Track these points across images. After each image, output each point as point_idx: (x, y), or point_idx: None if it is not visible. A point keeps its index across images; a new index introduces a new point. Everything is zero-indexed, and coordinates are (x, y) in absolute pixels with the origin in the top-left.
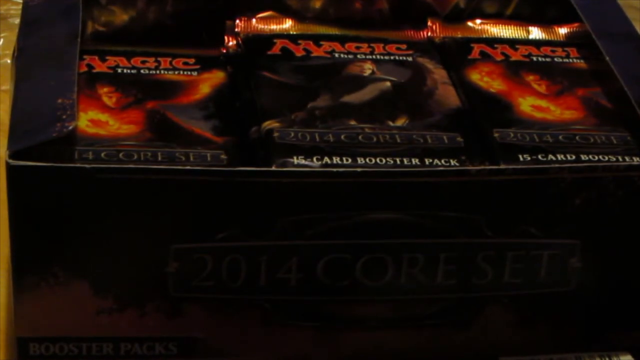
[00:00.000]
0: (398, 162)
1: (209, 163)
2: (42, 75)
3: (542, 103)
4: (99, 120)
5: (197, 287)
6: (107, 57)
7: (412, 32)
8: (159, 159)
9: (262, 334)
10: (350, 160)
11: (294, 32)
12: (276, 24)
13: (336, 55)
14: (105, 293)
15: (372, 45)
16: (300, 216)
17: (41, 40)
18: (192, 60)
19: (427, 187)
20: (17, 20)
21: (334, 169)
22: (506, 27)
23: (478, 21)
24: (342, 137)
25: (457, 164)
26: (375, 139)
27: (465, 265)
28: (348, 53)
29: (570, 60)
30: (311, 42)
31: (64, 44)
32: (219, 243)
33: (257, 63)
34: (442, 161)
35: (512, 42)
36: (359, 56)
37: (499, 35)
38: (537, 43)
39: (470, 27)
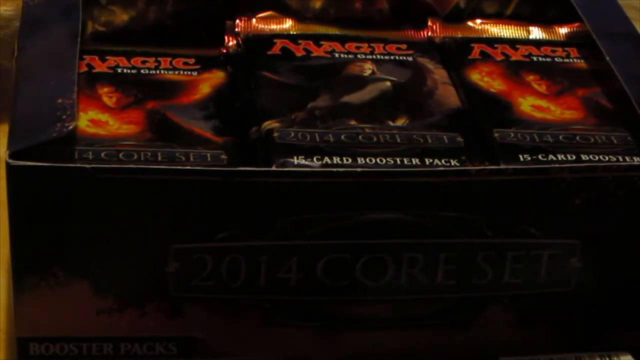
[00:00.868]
0: (398, 162)
1: (209, 163)
2: (42, 75)
3: (542, 103)
4: (99, 120)
5: (197, 287)
6: (107, 57)
7: (412, 32)
8: (159, 159)
9: (262, 334)
10: (350, 160)
11: (294, 32)
12: (276, 24)
13: (336, 55)
14: (105, 293)
15: (372, 45)
16: (300, 216)
17: (41, 40)
18: (192, 60)
19: (427, 187)
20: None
21: (334, 169)
22: (506, 27)
23: (478, 21)
24: (343, 137)
25: (457, 164)
26: (375, 139)
27: (465, 265)
28: (348, 53)
29: (571, 60)
30: (311, 42)
31: (64, 44)
32: (219, 243)
33: (257, 63)
34: (443, 161)
35: (513, 42)
36: (359, 56)
37: (499, 35)
38: (537, 43)
39: (470, 27)
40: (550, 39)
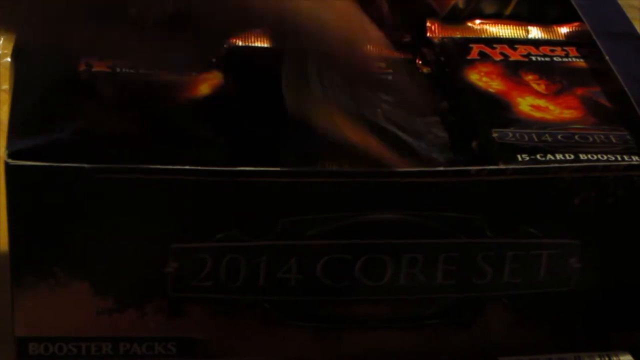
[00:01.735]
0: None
1: (209, 164)
2: (42, 75)
3: (541, 102)
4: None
5: (197, 287)
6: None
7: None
8: (160, 159)
9: (262, 334)
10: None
11: None
12: None
13: None
14: (105, 293)
15: None
16: (300, 216)
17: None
18: None
19: (427, 187)
20: None
21: (334, 169)
22: (505, 27)
23: (477, 21)
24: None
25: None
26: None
27: (465, 265)
28: None
29: (570, 59)
30: None
31: None
32: (219, 243)
33: None
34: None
35: (511, 42)
36: None
37: (498, 35)
38: (536, 43)
39: (469, 27)
40: (549, 38)
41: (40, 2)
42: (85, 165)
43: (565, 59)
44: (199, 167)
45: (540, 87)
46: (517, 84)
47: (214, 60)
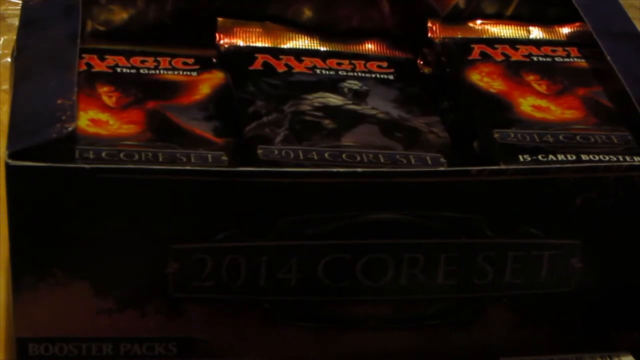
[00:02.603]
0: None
1: (210, 164)
2: (41, 75)
3: (543, 103)
4: (99, 119)
5: (197, 288)
6: (106, 56)
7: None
8: (160, 159)
9: (262, 334)
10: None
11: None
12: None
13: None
14: (105, 293)
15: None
16: (300, 216)
17: (41, 40)
18: (191, 60)
19: (428, 187)
20: (16, 20)
21: (334, 169)
22: (506, 27)
23: (478, 21)
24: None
25: None
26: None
27: (465, 265)
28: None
29: (571, 59)
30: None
31: (63, 44)
32: (219, 243)
33: None
34: None
35: (513, 42)
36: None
37: (499, 35)
38: (537, 43)
39: (470, 28)
40: (550, 38)
41: None
42: (85, 166)
43: (566, 59)
44: (199, 167)
45: (542, 88)
46: (518, 84)
47: (214, 60)
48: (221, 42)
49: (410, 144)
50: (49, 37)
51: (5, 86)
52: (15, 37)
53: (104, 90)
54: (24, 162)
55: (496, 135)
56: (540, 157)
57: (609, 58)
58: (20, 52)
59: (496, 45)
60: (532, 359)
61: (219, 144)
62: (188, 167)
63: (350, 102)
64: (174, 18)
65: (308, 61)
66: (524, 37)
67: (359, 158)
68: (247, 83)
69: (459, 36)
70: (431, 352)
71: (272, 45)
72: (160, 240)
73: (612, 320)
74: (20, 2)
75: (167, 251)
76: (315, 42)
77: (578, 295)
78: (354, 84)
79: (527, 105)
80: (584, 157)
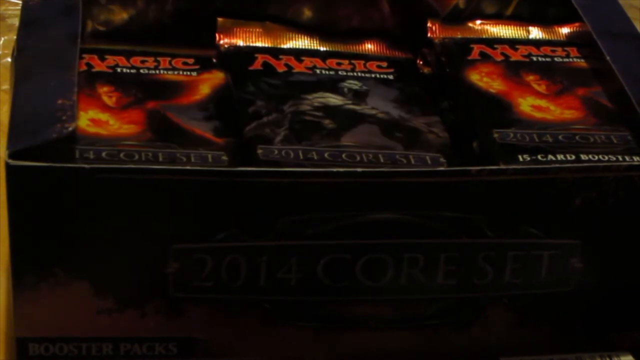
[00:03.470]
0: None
1: (210, 164)
2: (41, 75)
3: (542, 103)
4: (99, 119)
5: (197, 288)
6: (106, 56)
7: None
8: (160, 159)
9: (262, 334)
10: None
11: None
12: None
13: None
14: (105, 293)
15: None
16: (300, 216)
17: (41, 40)
18: (191, 60)
19: (428, 187)
20: (16, 21)
21: (334, 169)
22: (506, 27)
23: (478, 22)
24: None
25: None
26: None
27: (465, 265)
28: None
29: (571, 59)
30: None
31: (63, 45)
32: (219, 243)
33: None
34: None
35: (512, 42)
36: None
37: (498, 35)
38: (537, 43)
39: (470, 28)
40: (550, 38)
41: None
42: (85, 165)
43: (566, 59)
44: (199, 167)
45: (541, 88)
46: (518, 85)
47: (214, 60)
48: (221, 42)
49: (410, 144)
50: (49, 37)
51: (6, 86)
52: (15, 37)
53: (104, 90)
54: (24, 162)
55: (496, 135)
56: (539, 157)
57: (608, 58)
58: (20, 52)
59: (496, 46)
60: (532, 359)
61: (219, 144)
62: (188, 167)
63: (350, 102)
64: (174, 18)
65: (308, 61)
66: (523, 37)
67: (359, 158)
68: (247, 83)
69: (459, 36)
70: (431, 352)
71: (272, 45)
72: (160, 240)
73: (612, 320)
74: (20, 2)
75: (167, 251)
76: (315, 42)
77: (578, 295)
78: (354, 84)
79: (527, 105)
80: (583, 157)
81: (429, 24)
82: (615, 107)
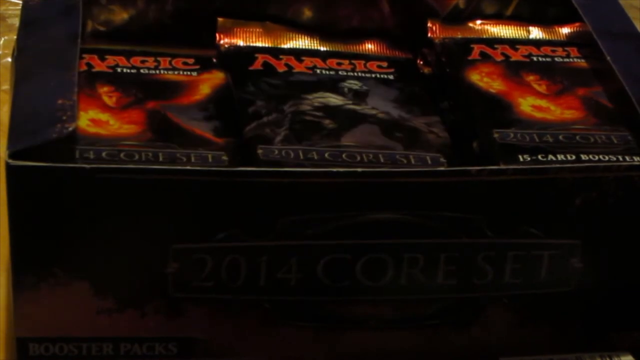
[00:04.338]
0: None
1: (210, 164)
2: (42, 75)
3: (542, 103)
4: (99, 119)
5: (197, 288)
6: (107, 57)
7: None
8: (160, 159)
9: (262, 334)
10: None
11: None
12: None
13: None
14: (105, 293)
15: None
16: (300, 216)
17: (41, 40)
18: (191, 60)
19: (428, 187)
20: (17, 21)
21: (334, 169)
22: (506, 27)
23: (478, 22)
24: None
25: None
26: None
27: (465, 265)
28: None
29: (571, 59)
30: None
31: (64, 45)
32: (219, 243)
33: None
34: None
35: (512, 43)
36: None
37: (499, 35)
38: (537, 43)
39: (470, 28)
40: (550, 38)
41: None
42: (85, 165)
43: (566, 60)
44: (199, 167)
45: (542, 88)
46: (518, 85)
47: (214, 60)
48: (221, 42)
49: (410, 144)
50: (49, 37)
51: (6, 86)
52: (15, 37)
53: (104, 90)
54: (25, 162)
55: (496, 135)
56: (540, 157)
57: (608, 58)
58: (20, 52)
59: (496, 46)
60: (532, 359)
61: (219, 144)
62: (188, 167)
63: (350, 102)
64: (174, 18)
65: (308, 61)
66: (523, 37)
67: (359, 158)
68: (247, 83)
69: (459, 36)
70: (431, 352)
71: (272, 45)
72: (160, 240)
73: (612, 320)
74: (21, 2)
75: (167, 251)
76: (315, 42)
77: (578, 295)
78: (354, 84)
79: (527, 105)
80: (583, 157)
81: (429, 24)
82: (615, 107)
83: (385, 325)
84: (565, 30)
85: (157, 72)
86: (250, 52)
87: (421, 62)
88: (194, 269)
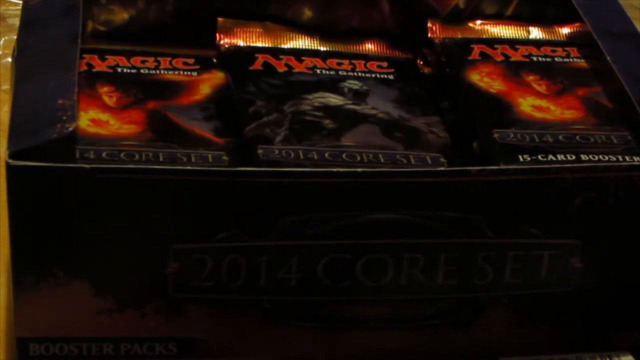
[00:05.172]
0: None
1: (210, 164)
2: (42, 75)
3: (542, 103)
4: (99, 119)
5: (197, 288)
6: (107, 56)
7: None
8: (161, 159)
9: (262, 334)
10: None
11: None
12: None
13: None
14: (105, 293)
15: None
16: (300, 216)
17: (41, 40)
18: (191, 60)
19: (428, 187)
20: (17, 21)
21: (334, 169)
22: (506, 27)
23: (478, 22)
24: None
25: None
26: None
27: (465, 265)
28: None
29: (571, 59)
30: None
31: (64, 44)
32: (219, 243)
33: None
34: None
35: (512, 43)
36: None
37: (499, 35)
38: (537, 43)
39: (470, 28)
40: (550, 39)
41: None
42: (86, 165)
43: (566, 60)
44: (199, 167)
45: (542, 88)
46: (518, 85)
47: (214, 60)
48: (221, 42)
49: (410, 144)
50: (50, 37)
51: (6, 86)
52: (15, 37)
53: (104, 90)
54: (25, 162)
55: (496, 135)
56: (540, 157)
57: (608, 58)
58: (20, 52)
59: (496, 46)
60: (532, 359)
61: (219, 144)
62: (188, 167)
63: (350, 102)
64: (174, 18)
65: (308, 61)
66: (523, 37)
67: (359, 158)
68: (247, 83)
69: (459, 36)
70: (431, 352)
71: (272, 45)
72: (160, 240)
73: (612, 320)
74: (21, 2)
75: (167, 251)
76: (315, 42)
77: (578, 295)
78: (354, 84)
79: (527, 105)
80: (583, 157)
81: (429, 24)
82: (615, 107)
83: (385, 325)
84: (565, 30)
85: (157, 72)
86: (250, 52)
87: (421, 62)
88: (194, 269)
